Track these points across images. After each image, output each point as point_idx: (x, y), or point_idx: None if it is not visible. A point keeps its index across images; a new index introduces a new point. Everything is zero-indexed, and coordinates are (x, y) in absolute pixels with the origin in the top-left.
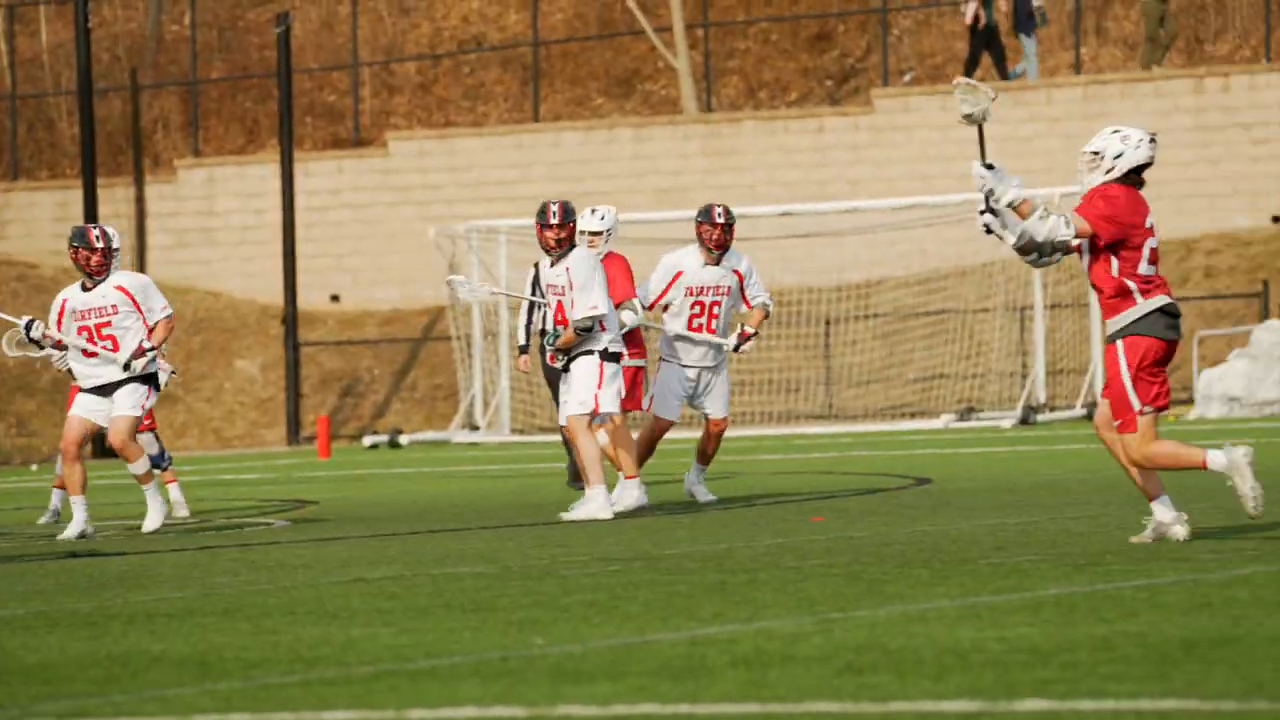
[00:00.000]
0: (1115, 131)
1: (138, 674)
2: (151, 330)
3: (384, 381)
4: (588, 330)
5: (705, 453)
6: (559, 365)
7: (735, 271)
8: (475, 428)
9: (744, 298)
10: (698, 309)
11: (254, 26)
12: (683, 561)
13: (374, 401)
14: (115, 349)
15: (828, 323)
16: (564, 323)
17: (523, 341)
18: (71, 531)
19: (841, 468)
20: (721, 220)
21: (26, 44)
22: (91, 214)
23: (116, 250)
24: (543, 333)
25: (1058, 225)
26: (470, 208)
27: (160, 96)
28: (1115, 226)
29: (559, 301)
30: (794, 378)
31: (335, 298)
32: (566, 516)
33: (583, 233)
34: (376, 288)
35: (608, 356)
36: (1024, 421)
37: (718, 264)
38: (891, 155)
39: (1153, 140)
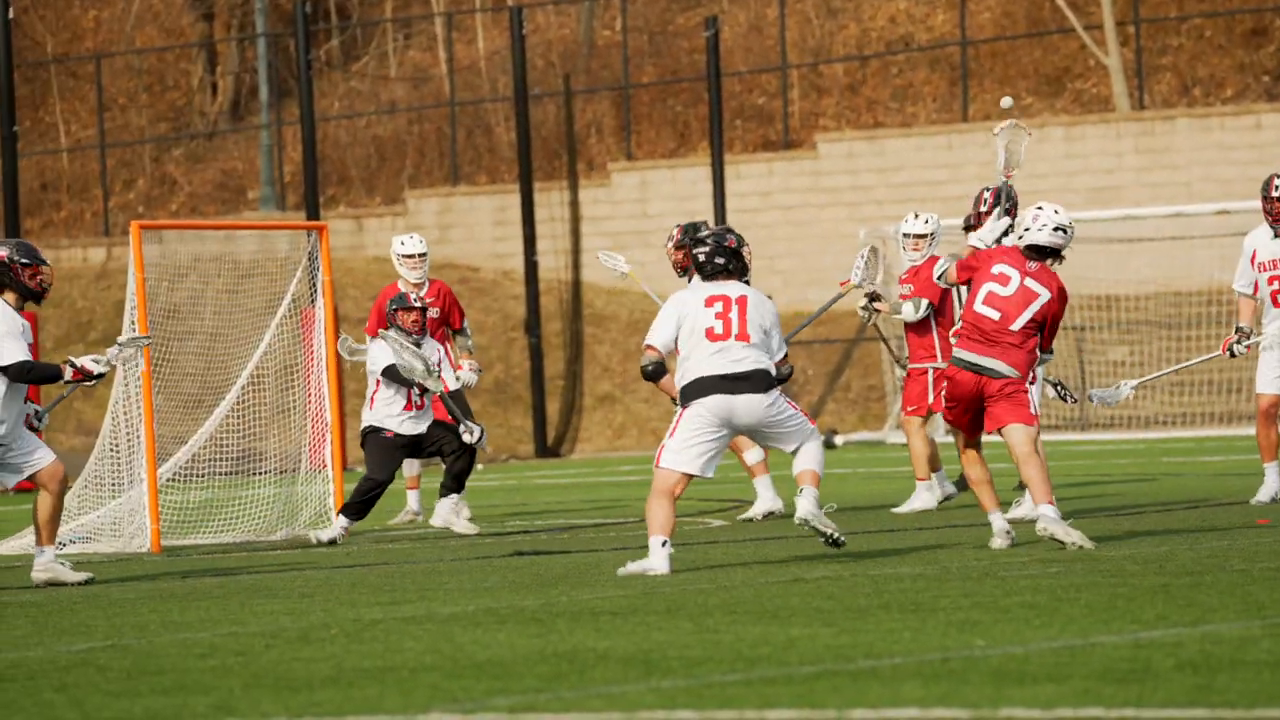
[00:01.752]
0: (1037, 209)
1: (584, 670)
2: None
3: (818, 382)
4: None
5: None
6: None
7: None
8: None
9: None
10: None
11: (683, 30)
12: (1124, 564)
13: (808, 402)
14: None
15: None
16: None
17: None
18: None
19: None
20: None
21: (464, 52)
22: (529, 218)
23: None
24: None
25: None
26: (900, 208)
27: (593, 101)
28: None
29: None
30: (1235, 378)
31: (768, 297)
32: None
33: (907, 235)
34: (809, 289)
35: None
36: None
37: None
38: None
39: (1060, 229)
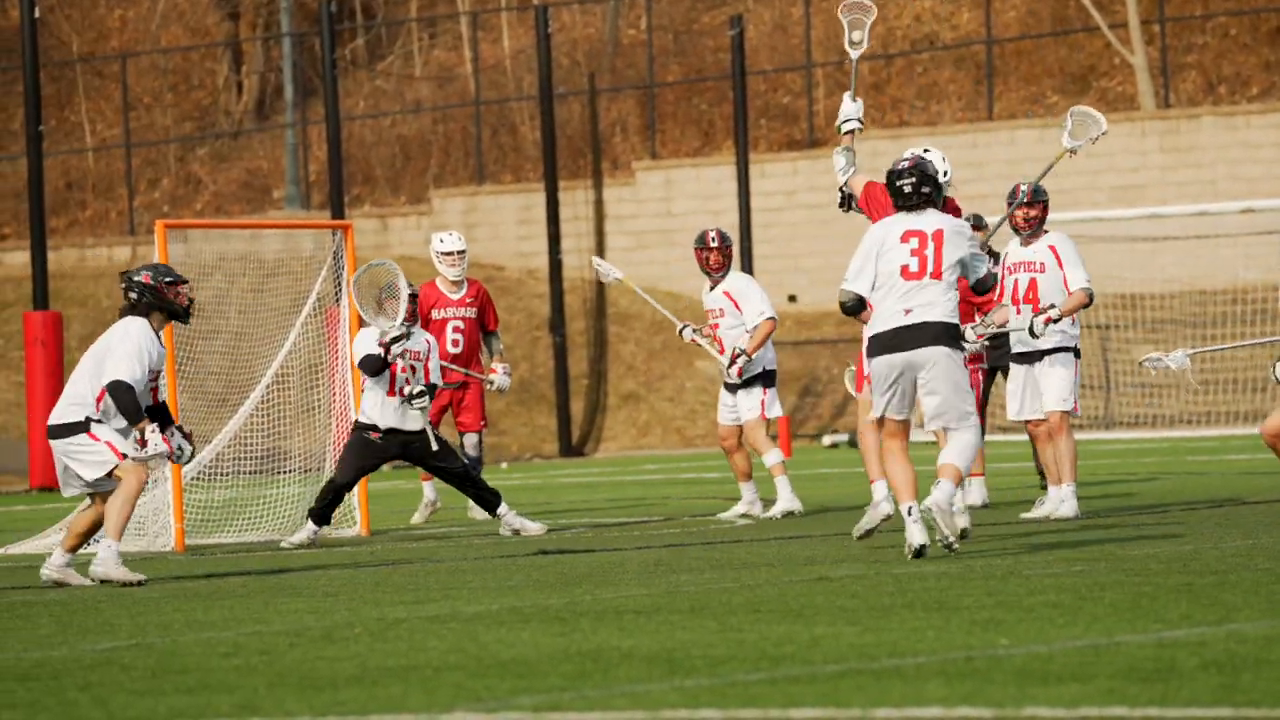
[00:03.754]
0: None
1: (608, 669)
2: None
3: (842, 380)
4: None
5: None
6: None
7: (725, 293)
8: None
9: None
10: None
11: (708, 29)
12: (1148, 562)
13: (833, 401)
14: (722, 351)
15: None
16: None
17: None
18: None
19: None
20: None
21: (490, 50)
22: (554, 217)
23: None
24: None
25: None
26: None
27: (618, 100)
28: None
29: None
30: (1260, 376)
31: (793, 298)
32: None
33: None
34: (833, 288)
35: None
36: None
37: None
38: None
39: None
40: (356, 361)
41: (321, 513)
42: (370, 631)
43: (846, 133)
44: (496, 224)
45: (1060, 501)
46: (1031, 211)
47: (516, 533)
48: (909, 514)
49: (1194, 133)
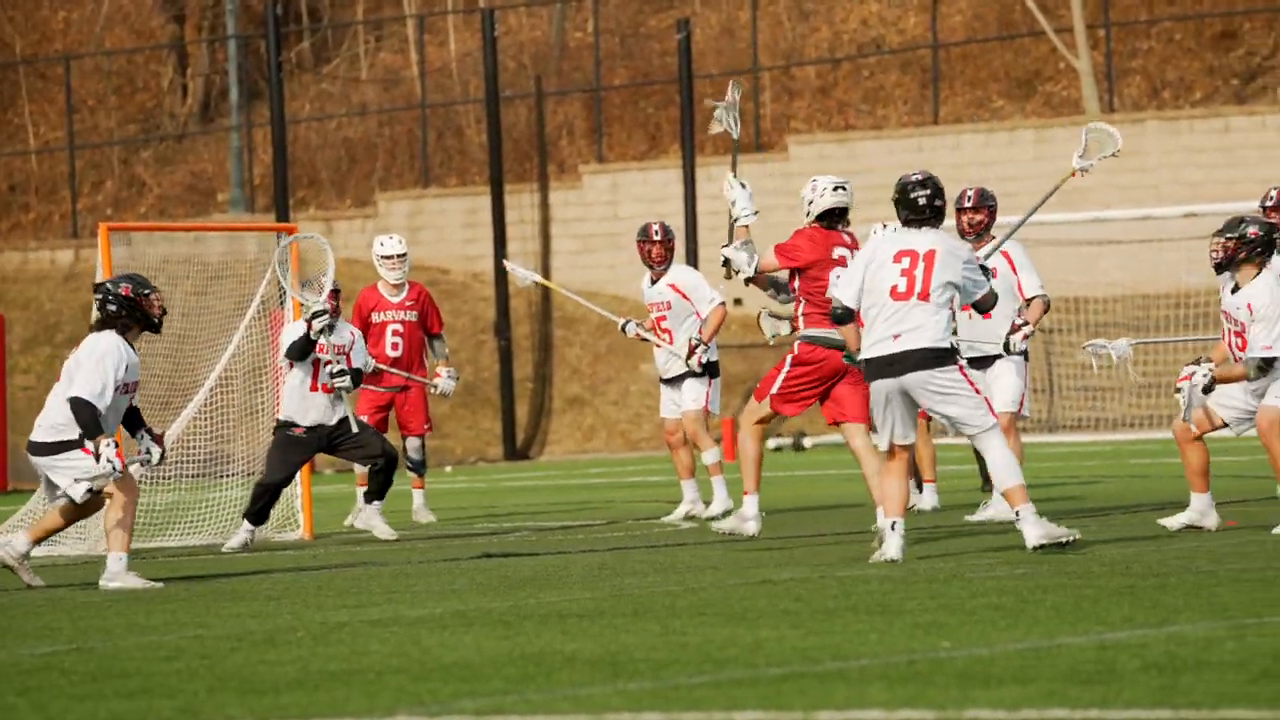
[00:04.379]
0: (812, 181)
1: (551, 673)
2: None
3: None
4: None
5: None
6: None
7: (671, 286)
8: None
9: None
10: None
11: (655, 33)
12: (1090, 565)
13: None
14: (671, 342)
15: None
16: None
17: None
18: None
19: (1253, 471)
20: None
21: (436, 53)
22: (499, 220)
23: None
24: None
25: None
26: (871, 210)
27: (564, 103)
28: (789, 260)
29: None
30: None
31: (738, 301)
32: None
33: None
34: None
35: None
36: None
37: (656, 281)
38: None
39: (839, 188)
40: (283, 352)
41: (257, 514)
42: (312, 635)
43: (742, 225)
44: (442, 227)
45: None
46: (977, 216)
47: (359, 528)
48: (892, 528)
49: (1138, 137)
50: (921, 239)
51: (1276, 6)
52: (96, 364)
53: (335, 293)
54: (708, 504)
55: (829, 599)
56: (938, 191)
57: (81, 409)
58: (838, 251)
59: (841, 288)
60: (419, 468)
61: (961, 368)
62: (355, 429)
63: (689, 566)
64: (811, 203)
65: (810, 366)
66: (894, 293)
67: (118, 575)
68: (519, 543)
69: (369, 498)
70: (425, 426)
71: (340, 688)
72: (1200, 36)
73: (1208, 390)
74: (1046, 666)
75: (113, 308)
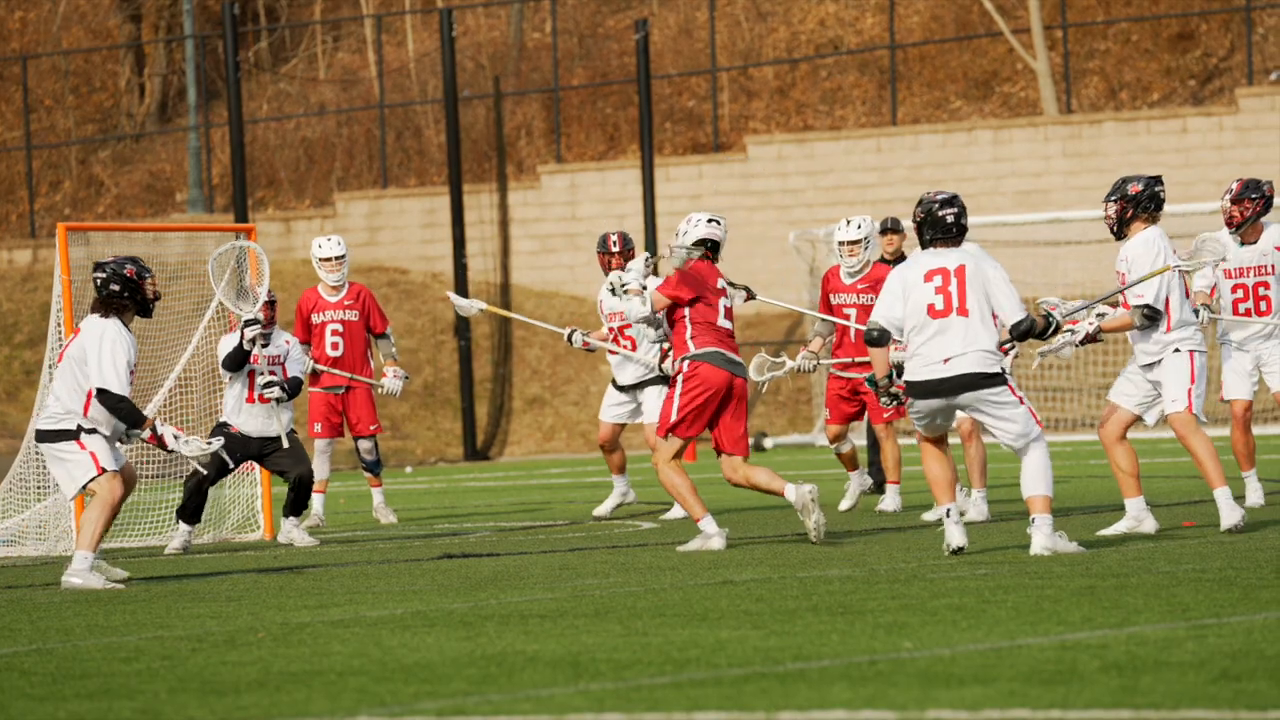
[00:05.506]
0: (688, 219)
1: (512, 673)
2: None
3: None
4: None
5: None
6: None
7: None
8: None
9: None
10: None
11: (613, 33)
12: (1050, 565)
13: None
14: (634, 348)
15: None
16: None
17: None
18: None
19: None
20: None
21: (394, 53)
22: (458, 220)
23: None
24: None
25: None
26: (829, 211)
27: (523, 104)
28: (689, 291)
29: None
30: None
31: None
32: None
33: (843, 243)
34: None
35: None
36: None
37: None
38: (1259, 155)
39: (712, 220)
40: (220, 363)
41: (192, 512)
42: (273, 636)
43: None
44: (400, 227)
45: (970, 505)
46: None
47: (291, 542)
48: (948, 515)
49: (1096, 138)
50: (950, 256)
51: (1233, 8)
52: (110, 353)
53: (271, 303)
54: (667, 505)
55: (790, 600)
56: (963, 209)
57: (115, 402)
58: (721, 282)
59: (880, 311)
60: (373, 468)
61: (1010, 384)
62: (286, 444)
63: (650, 567)
64: (685, 234)
65: (699, 381)
66: (932, 311)
67: (80, 573)
68: (480, 543)
69: (285, 512)
70: (373, 427)
71: (301, 689)
72: (1157, 38)
73: (1092, 339)
74: (1007, 667)
75: (116, 287)
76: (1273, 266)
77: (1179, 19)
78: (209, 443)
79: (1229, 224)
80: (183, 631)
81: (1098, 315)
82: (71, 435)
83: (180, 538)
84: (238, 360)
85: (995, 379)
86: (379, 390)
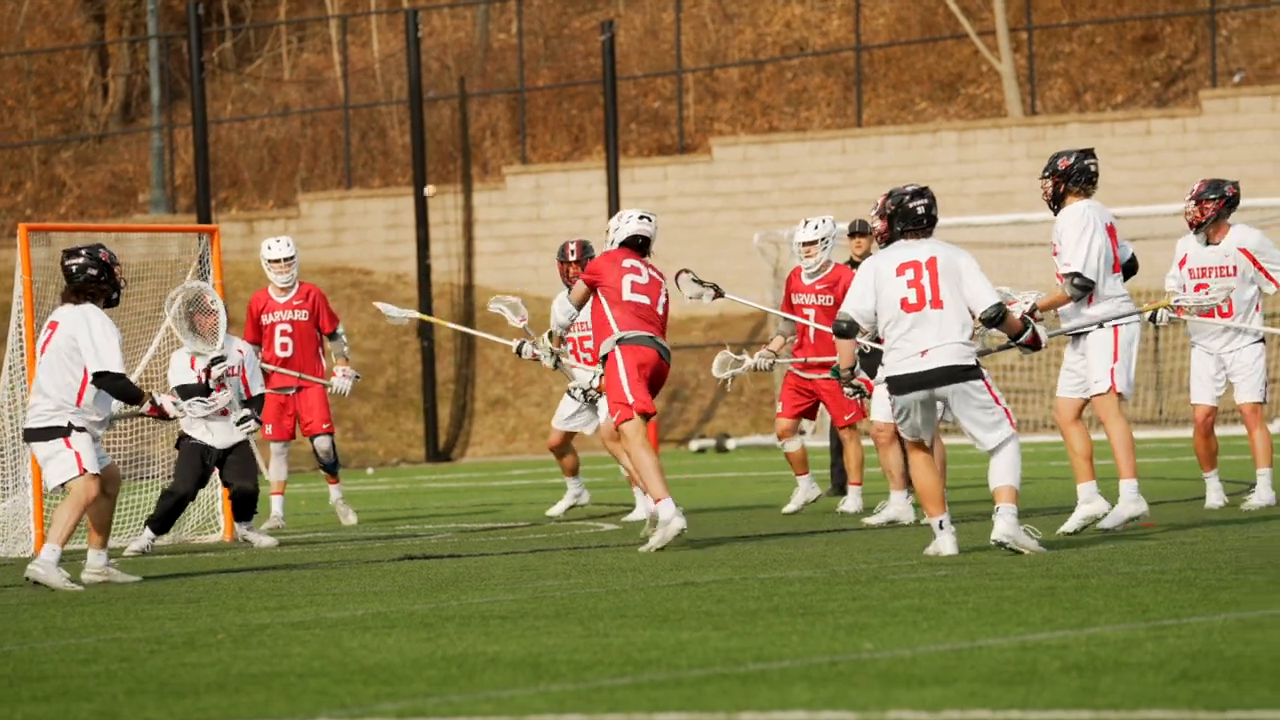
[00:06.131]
0: (619, 215)
1: (473, 675)
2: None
3: (710, 386)
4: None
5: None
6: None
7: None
8: (802, 432)
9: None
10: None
11: (579, 34)
12: (1011, 566)
13: (700, 406)
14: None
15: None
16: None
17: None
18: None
19: (1172, 473)
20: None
21: (359, 54)
22: (423, 221)
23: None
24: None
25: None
26: (794, 213)
27: (488, 104)
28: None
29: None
30: None
31: None
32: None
33: (800, 244)
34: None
35: None
36: None
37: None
38: (1222, 157)
39: (644, 217)
40: (173, 386)
41: (161, 522)
42: (233, 638)
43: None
44: (365, 228)
45: (899, 508)
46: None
47: (247, 540)
48: (939, 527)
49: (1060, 140)
50: (921, 249)
51: (1197, 10)
52: (102, 335)
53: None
54: (629, 508)
55: (751, 600)
56: (933, 201)
57: (114, 380)
58: (627, 262)
59: (850, 303)
60: (331, 468)
61: (986, 380)
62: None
63: (611, 568)
64: (616, 229)
65: (634, 362)
66: (905, 305)
67: (46, 565)
68: (441, 544)
69: (236, 518)
70: (325, 425)
71: (261, 690)
72: (1121, 40)
73: (1031, 315)
74: (968, 667)
75: (94, 272)
76: (1235, 268)
77: (1143, 21)
78: (213, 401)
79: (1191, 225)
80: (141, 633)
81: (1035, 296)
82: (61, 433)
83: (142, 541)
84: (202, 394)
85: (972, 371)
86: (330, 390)
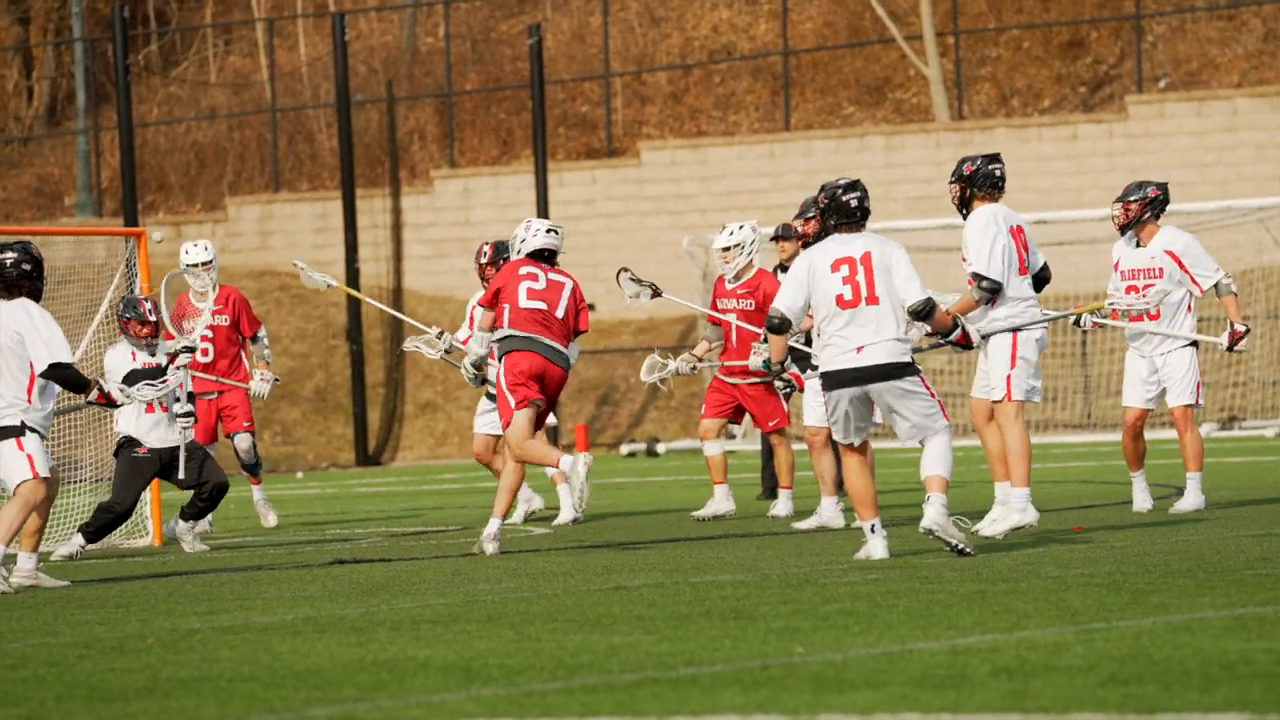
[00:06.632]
0: (526, 221)
1: (404, 679)
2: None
3: (640, 390)
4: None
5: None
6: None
7: None
8: (732, 436)
9: None
10: None
11: (507, 38)
12: (941, 570)
13: (630, 410)
14: None
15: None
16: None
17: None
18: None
19: (1101, 477)
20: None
21: (286, 58)
22: (351, 225)
23: (211, 263)
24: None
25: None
26: (722, 217)
27: (416, 108)
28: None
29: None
30: (1051, 386)
31: (591, 306)
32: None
33: (717, 250)
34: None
35: None
36: None
37: None
38: (1148, 162)
39: (551, 230)
40: (120, 379)
41: (95, 533)
42: (162, 642)
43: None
44: (292, 232)
45: (826, 512)
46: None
47: (180, 539)
48: (871, 530)
49: (987, 144)
50: (855, 244)
51: (1123, 15)
52: (46, 327)
53: (155, 324)
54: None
55: (682, 604)
56: (866, 194)
57: (64, 370)
58: (525, 269)
59: (782, 298)
60: (253, 469)
61: (920, 375)
62: (183, 471)
63: (542, 572)
64: (524, 240)
65: (511, 370)
66: (841, 301)
67: (27, 572)
68: (371, 549)
69: (184, 516)
70: (245, 424)
71: (191, 695)
72: (1048, 45)
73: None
74: (898, 671)
75: (27, 267)
76: (1161, 270)
77: (1069, 27)
78: (163, 383)
79: (1118, 227)
80: (70, 638)
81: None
82: (15, 432)
83: (71, 546)
84: (148, 377)
85: (908, 368)
86: (249, 393)
